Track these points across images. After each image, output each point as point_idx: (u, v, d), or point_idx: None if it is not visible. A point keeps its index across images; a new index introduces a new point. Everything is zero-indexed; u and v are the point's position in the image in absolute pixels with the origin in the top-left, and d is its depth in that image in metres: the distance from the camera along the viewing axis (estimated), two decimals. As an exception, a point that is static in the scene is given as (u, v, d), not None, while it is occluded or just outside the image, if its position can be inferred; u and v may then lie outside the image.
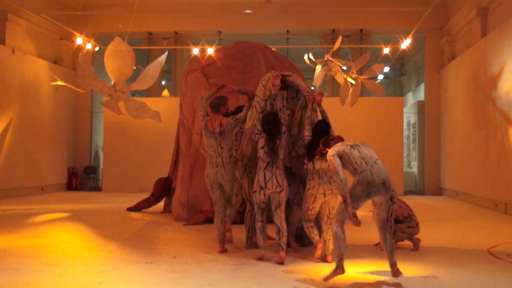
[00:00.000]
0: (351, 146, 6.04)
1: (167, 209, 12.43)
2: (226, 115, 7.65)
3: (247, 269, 6.27)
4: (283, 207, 6.84)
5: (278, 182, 6.79)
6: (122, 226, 10.32)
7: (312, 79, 14.61)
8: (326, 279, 5.67)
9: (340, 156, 5.89)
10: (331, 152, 5.93)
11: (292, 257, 7.00)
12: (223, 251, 7.35)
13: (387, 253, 5.81)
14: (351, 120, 18.93)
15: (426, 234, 8.91)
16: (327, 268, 6.29)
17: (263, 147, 6.93)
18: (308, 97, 7.42)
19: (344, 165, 5.90)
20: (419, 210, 8.72)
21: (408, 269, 6.37)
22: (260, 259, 6.77)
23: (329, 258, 6.70)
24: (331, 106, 19.40)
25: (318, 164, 6.87)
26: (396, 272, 5.74)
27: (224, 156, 7.41)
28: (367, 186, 5.74)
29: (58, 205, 14.33)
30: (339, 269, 5.62)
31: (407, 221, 8.03)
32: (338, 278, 5.76)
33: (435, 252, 7.65)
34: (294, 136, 7.78)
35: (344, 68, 14.51)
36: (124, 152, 19.64)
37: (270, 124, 6.94)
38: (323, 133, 6.95)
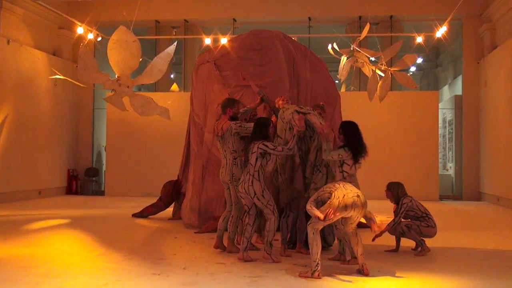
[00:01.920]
0: None
1: (176, 216, 12.46)
2: (233, 118, 8.17)
3: (264, 283, 6.26)
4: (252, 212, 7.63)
5: (244, 188, 7.54)
6: (127, 234, 10.36)
7: (336, 71, 14.57)
8: (301, 275, 6.54)
9: None
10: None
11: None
12: (217, 246, 8.21)
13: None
14: (379, 117, 18.85)
15: (464, 243, 8.84)
16: (357, 284, 6.28)
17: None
18: (320, 133, 7.66)
19: None
20: (456, 217, 8.62)
21: (441, 283, 6.32)
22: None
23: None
24: (357, 101, 19.42)
25: None
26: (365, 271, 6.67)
27: (228, 158, 8.11)
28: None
29: (57, 210, 14.43)
30: (316, 273, 6.44)
31: (425, 220, 8.12)
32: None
33: (474, 263, 7.59)
34: (307, 178, 8.06)
35: (372, 59, 14.44)
36: (129, 153, 19.74)
37: (259, 125, 7.69)
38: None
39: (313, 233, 6.54)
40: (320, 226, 6.60)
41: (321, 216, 6.41)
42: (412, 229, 8.16)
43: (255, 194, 7.44)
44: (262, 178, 7.49)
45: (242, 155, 7.79)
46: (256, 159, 7.50)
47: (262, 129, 7.60)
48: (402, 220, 8.27)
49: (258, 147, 7.49)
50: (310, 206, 6.56)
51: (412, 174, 18.47)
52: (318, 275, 6.45)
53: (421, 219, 8.22)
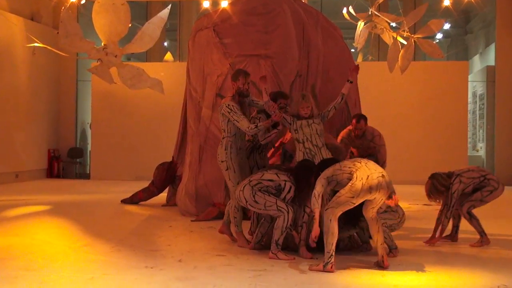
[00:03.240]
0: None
1: (171, 202, 12.51)
2: (241, 93, 8.10)
3: (269, 277, 6.29)
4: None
5: (237, 195, 7.62)
6: (116, 222, 10.40)
7: (352, 39, 14.51)
8: (312, 268, 6.56)
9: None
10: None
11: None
12: (223, 231, 8.40)
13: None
14: (401, 90, 18.81)
15: (495, 235, 8.86)
16: (372, 278, 6.31)
17: None
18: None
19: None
20: (486, 204, 8.77)
21: (469, 279, 6.35)
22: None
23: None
24: (376, 73, 19.36)
25: None
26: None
27: (222, 136, 8.22)
28: None
29: (36, 196, 14.48)
30: (328, 266, 6.43)
31: (484, 186, 8.12)
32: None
33: (505, 257, 7.61)
34: None
35: (393, 24, 14.37)
36: (117, 131, 19.76)
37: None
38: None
39: (331, 220, 6.51)
40: (340, 211, 6.57)
41: (314, 235, 6.54)
42: (474, 218, 8.09)
43: (246, 201, 7.37)
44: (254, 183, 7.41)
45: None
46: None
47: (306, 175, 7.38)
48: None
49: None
50: (317, 195, 6.56)
51: (436, 155, 18.45)
52: (331, 267, 6.44)
53: (481, 188, 8.15)
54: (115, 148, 19.72)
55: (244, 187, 7.39)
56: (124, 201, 13.01)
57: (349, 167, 6.70)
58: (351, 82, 8.28)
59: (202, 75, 11.37)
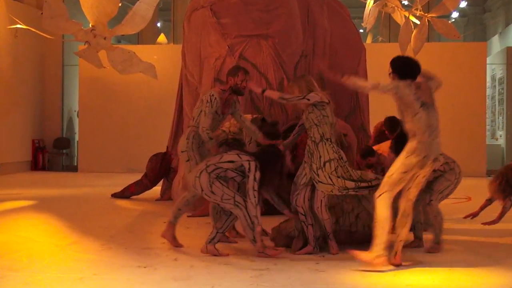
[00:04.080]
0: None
1: (165, 196, 12.51)
2: (236, 91, 8.00)
3: (272, 276, 6.28)
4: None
5: (192, 180, 7.44)
6: (106, 218, 10.40)
7: (361, 18, 14.48)
8: (359, 257, 6.53)
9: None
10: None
11: (335, 261, 7.02)
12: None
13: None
14: (414, 74, 18.77)
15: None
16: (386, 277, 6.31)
17: None
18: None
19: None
20: (508, 197, 8.93)
21: (489, 278, 6.35)
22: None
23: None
24: (387, 55, 19.13)
25: None
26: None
27: (188, 124, 8.32)
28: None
29: (20, 190, 14.49)
30: (380, 259, 6.42)
31: None
32: None
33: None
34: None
35: (405, 2, 14.34)
36: (107, 119, 19.75)
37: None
38: None
39: (385, 206, 6.51)
40: (395, 193, 6.58)
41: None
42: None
43: (202, 190, 7.19)
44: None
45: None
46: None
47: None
48: None
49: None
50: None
51: (452, 144, 18.39)
52: (383, 261, 6.44)
53: None
54: (105, 138, 19.72)
55: (200, 173, 7.18)
56: (115, 195, 13.01)
57: None
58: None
59: (199, 59, 11.36)
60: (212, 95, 7.87)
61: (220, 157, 7.26)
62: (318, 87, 7.76)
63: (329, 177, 7.15)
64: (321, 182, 7.20)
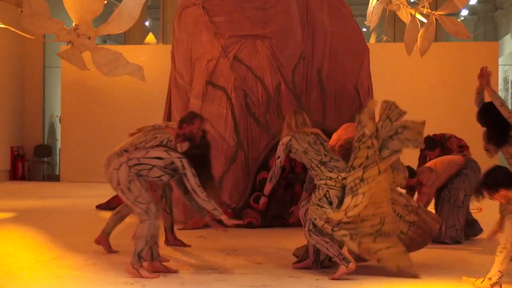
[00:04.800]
0: None
1: (154, 207, 12.50)
2: (189, 139, 8.18)
3: (270, 293, 6.29)
4: None
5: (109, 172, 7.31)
6: (90, 231, 10.37)
7: (364, 16, 14.51)
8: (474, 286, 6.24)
9: None
10: None
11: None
12: (100, 242, 8.42)
13: None
14: (421, 75, 18.81)
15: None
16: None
17: None
18: None
19: None
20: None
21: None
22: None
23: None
24: (392, 56, 19.34)
25: None
26: None
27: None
28: None
29: (-2, 201, 14.48)
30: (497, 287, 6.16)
31: None
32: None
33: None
34: None
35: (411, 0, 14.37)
36: (91, 126, 19.73)
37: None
38: None
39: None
40: None
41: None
42: None
43: (118, 183, 6.96)
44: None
45: None
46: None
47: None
48: None
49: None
50: None
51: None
52: None
53: None
54: (89, 146, 19.69)
55: (120, 166, 6.94)
56: (100, 207, 13.01)
57: None
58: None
59: (190, 60, 11.36)
60: (170, 139, 8.01)
61: (146, 152, 7.09)
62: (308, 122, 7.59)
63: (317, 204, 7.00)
64: (312, 204, 7.08)
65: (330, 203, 6.88)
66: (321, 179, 6.99)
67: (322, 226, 6.85)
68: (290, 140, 7.28)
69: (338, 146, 8.87)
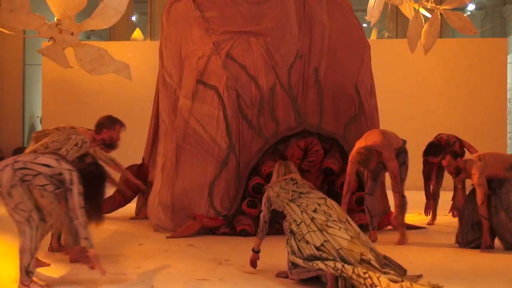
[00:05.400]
0: None
1: (141, 214, 12.50)
2: (109, 145, 8.44)
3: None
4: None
5: None
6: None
7: (365, 11, 14.53)
8: None
9: None
10: None
11: None
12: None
13: None
14: (425, 74, 18.84)
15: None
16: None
17: None
18: None
19: None
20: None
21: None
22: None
23: None
24: (394, 53, 19.34)
25: None
26: None
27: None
28: None
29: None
30: None
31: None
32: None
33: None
34: None
35: (415, -7, 14.41)
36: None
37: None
38: None
39: None
40: None
41: None
42: None
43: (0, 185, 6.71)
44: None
45: None
46: None
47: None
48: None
49: None
50: None
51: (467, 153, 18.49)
52: None
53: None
54: (72, 148, 19.68)
55: (5, 167, 6.67)
56: (84, 214, 12.97)
57: None
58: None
59: (179, 57, 11.36)
60: (84, 141, 7.98)
61: (35, 156, 6.84)
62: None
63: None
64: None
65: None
66: (289, 222, 7.13)
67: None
68: (267, 192, 7.55)
69: (353, 153, 9.15)
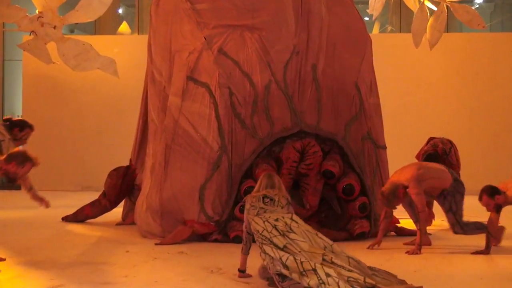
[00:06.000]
0: None
1: (128, 219, 12.50)
2: (10, 179, 8.70)
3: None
4: None
5: None
6: (56, 246, 10.38)
7: (366, 4, 14.57)
8: None
9: None
10: None
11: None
12: None
13: None
14: (430, 70, 18.84)
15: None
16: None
17: None
18: None
19: None
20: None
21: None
22: None
23: None
24: (398, 48, 19.31)
25: None
26: None
27: None
28: None
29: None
30: None
31: None
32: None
33: None
34: None
35: (419, -16, 14.43)
36: (56, 126, 19.70)
37: None
38: None
39: None
40: None
41: None
42: None
43: None
44: None
45: None
46: None
47: None
48: None
49: None
50: None
51: (476, 155, 18.49)
52: None
53: None
54: (54, 149, 19.66)
55: None
56: (67, 219, 12.99)
57: None
58: None
59: (169, 53, 11.37)
60: None
61: None
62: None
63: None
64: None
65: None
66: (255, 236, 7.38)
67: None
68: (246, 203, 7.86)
69: (383, 189, 9.31)
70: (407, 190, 9.69)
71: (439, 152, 11.86)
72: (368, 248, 9.87)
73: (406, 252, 9.57)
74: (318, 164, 10.72)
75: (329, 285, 6.31)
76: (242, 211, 10.30)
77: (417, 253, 9.44)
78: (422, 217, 9.75)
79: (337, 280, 6.33)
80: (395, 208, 10.00)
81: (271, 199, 7.69)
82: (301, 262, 6.58)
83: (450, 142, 12.26)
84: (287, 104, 10.76)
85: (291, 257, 6.70)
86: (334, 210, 10.85)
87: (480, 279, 7.91)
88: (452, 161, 12.03)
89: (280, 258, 6.73)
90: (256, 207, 7.57)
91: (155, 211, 10.90)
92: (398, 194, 9.63)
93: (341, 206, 10.81)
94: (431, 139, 12.39)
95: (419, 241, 9.59)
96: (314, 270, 6.46)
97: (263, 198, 7.69)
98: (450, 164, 11.60)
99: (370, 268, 7.06)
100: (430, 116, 18.60)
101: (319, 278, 6.36)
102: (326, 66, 11.11)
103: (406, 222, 11.35)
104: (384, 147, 11.65)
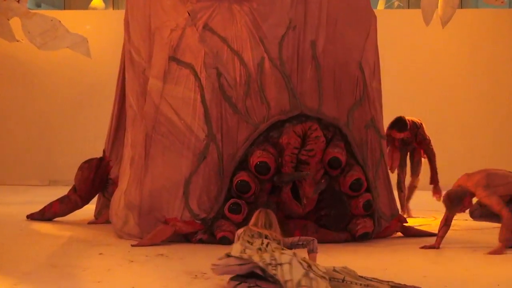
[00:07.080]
0: None
1: (101, 217, 12.50)
2: None
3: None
4: None
5: None
6: (20, 247, 10.38)
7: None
8: None
9: None
10: None
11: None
12: None
13: None
14: (442, 51, 18.87)
15: None
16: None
17: None
18: None
19: None
20: None
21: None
22: None
23: None
24: (405, 26, 19.27)
25: None
26: None
27: None
28: None
29: None
30: None
31: None
32: None
33: None
34: None
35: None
36: (21, 115, 19.69)
37: None
38: None
39: None
40: None
41: None
42: None
43: None
44: None
45: None
46: None
47: None
48: None
49: None
50: None
51: (490, 144, 18.52)
52: None
53: None
54: (19, 140, 19.65)
55: None
56: (32, 217, 12.97)
57: None
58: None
59: (148, 30, 11.36)
60: None
61: None
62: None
63: None
64: None
65: None
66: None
67: None
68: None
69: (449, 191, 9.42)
70: (476, 196, 9.82)
71: (410, 124, 12.25)
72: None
73: (488, 253, 9.70)
74: (320, 151, 10.54)
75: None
76: (232, 210, 10.32)
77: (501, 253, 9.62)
78: (504, 215, 9.66)
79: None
80: (458, 213, 10.12)
81: (266, 237, 7.84)
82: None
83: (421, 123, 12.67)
84: (284, 84, 10.67)
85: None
86: (335, 208, 10.78)
87: (497, 285, 7.92)
88: (424, 135, 12.37)
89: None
90: (244, 239, 7.79)
91: (134, 208, 10.86)
92: (464, 201, 9.76)
93: (343, 203, 10.76)
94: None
95: (503, 238, 9.71)
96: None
97: (258, 234, 7.85)
98: (422, 139, 12.09)
99: (361, 276, 7.09)
100: (441, 100, 18.59)
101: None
102: (327, 43, 11.07)
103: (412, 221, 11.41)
104: (385, 138, 11.73)
